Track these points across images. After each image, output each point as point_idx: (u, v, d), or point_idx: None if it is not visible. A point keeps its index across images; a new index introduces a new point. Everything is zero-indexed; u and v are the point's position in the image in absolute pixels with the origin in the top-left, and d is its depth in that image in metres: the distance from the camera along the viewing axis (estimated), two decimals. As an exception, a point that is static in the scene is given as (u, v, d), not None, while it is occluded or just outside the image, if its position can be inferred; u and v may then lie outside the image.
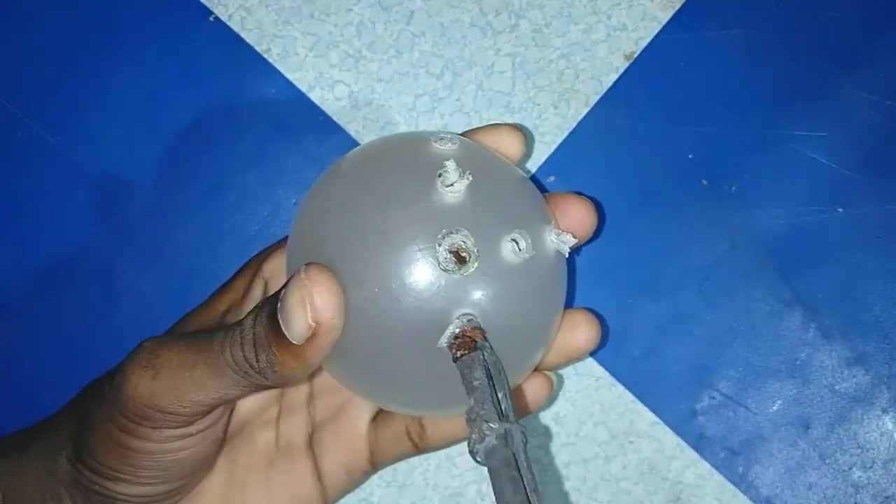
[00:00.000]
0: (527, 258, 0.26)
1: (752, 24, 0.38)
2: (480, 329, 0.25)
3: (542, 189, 0.36)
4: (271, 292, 0.30)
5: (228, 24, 0.38)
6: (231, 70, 0.38)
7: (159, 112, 0.38)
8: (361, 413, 0.33)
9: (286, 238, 0.32)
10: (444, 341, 0.25)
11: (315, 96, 0.38)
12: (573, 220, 0.29)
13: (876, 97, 0.38)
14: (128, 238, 0.38)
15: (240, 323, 0.26)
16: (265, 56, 0.38)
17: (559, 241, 0.27)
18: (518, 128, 0.30)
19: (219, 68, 0.38)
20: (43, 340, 0.38)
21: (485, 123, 0.38)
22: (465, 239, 0.25)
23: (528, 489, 0.21)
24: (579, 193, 0.30)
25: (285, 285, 0.25)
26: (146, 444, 0.27)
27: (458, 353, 0.24)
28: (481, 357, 0.24)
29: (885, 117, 0.37)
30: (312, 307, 0.24)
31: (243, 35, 0.38)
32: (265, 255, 0.32)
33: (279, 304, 0.25)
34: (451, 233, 0.25)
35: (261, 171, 0.38)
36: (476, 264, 0.25)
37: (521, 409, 0.31)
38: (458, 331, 0.25)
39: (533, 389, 0.31)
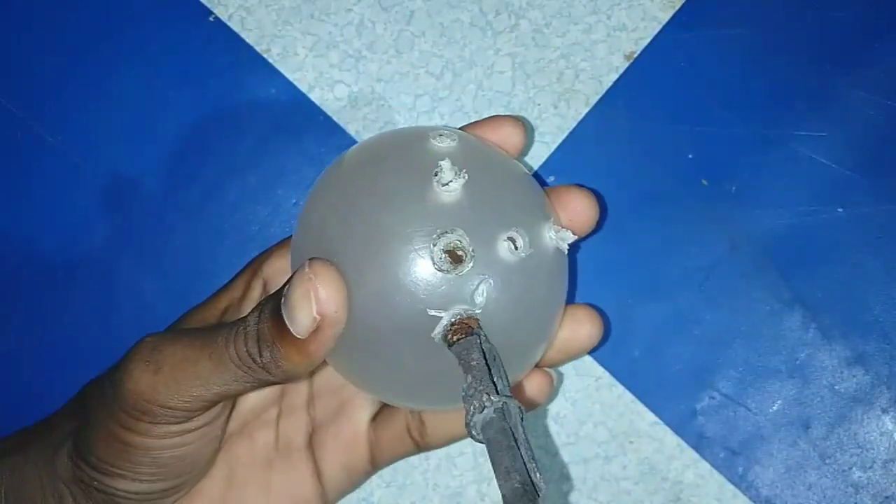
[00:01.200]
0: (524, 256, 0.26)
1: (753, 24, 0.38)
2: (475, 318, 0.25)
3: (543, 184, 0.36)
4: (271, 292, 0.30)
5: (228, 24, 0.38)
6: (231, 70, 0.38)
7: (159, 112, 0.38)
8: (361, 414, 0.33)
9: (286, 239, 0.32)
10: (438, 331, 0.25)
11: (315, 96, 0.38)
12: (574, 213, 0.29)
13: (876, 97, 0.38)
14: (128, 238, 0.38)
15: (243, 319, 0.26)
16: (265, 56, 0.38)
17: (558, 237, 0.27)
18: (519, 120, 0.30)
19: (219, 68, 0.38)
20: (43, 340, 0.38)
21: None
22: (460, 238, 0.25)
23: (525, 458, 0.21)
24: (581, 186, 0.30)
25: (289, 280, 0.25)
26: (145, 439, 0.27)
27: (455, 338, 0.24)
28: (477, 340, 0.24)
29: (886, 117, 0.37)
30: (317, 300, 0.24)
31: (243, 35, 0.38)
32: (265, 257, 0.32)
33: (283, 299, 0.25)
34: (446, 232, 0.25)
35: (261, 171, 0.38)
36: (471, 264, 0.25)
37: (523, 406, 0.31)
38: (453, 320, 0.25)
39: (534, 386, 0.31)
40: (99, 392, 0.28)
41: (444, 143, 0.27)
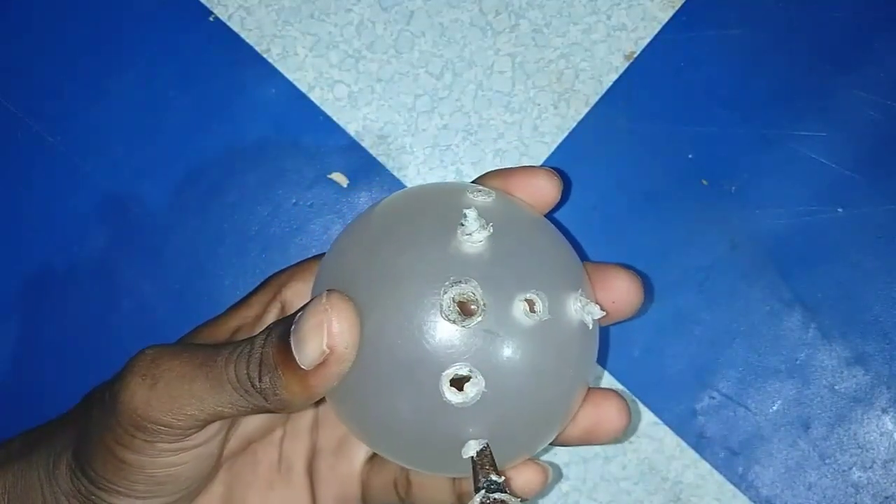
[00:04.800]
0: (540, 321, 0.24)
1: (753, 24, 0.38)
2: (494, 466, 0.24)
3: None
4: None
5: (228, 24, 0.38)
6: (231, 70, 0.38)
7: (159, 112, 0.38)
8: (358, 451, 0.32)
9: (310, 260, 0.31)
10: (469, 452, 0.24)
11: (315, 96, 0.38)
12: (616, 294, 0.28)
13: (876, 97, 0.38)
14: (128, 238, 0.38)
15: (249, 340, 0.25)
16: (265, 56, 0.38)
17: (584, 310, 0.25)
18: (554, 173, 0.29)
19: (218, 68, 0.38)
20: (43, 340, 0.38)
21: (484, 124, 0.38)
22: (473, 290, 0.24)
23: None
24: (625, 266, 0.29)
25: (303, 308, 0.24)
26: (140, 457, 0.26)
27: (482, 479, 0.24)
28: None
29: (886, 117, 0.37)
30: (329, 333, 0.23)
31: (243, 35, 0.38)
32: (287, 278, 0.31)
33: (294, 326, 0.24)
34: (460, 282, 0.24)
35: (260, 171, 0.38)
36: (481, 318, 0.23)
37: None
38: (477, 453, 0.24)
39: (523, 479, 0.28)
40: (101, 402, 0.27)
41: (478, 199, 0.26)
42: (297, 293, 0.31)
